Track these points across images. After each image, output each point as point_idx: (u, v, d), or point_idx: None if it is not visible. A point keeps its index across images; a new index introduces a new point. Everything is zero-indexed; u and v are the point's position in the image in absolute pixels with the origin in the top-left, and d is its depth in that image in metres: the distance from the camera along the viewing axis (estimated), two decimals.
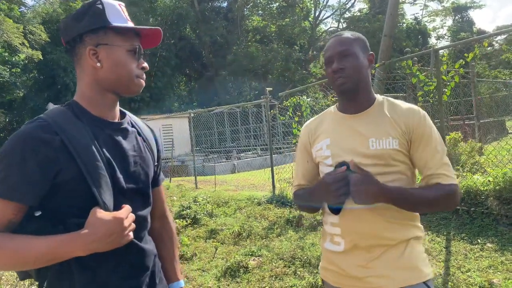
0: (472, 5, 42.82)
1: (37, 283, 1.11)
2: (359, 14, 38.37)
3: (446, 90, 4.86)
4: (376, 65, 5.99)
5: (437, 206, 1.37)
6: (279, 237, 4.79)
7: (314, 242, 4.37)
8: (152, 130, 1.35)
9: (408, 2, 40.20)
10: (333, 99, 6.39)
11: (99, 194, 1.02)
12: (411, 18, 41.21)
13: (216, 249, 4.58)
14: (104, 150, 1.08)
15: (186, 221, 5.65)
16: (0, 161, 1.00)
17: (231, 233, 5.03)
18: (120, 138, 1.15)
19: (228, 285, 3.61)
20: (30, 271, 1.10)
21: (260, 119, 18.71)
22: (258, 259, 4.11)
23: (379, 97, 1.47)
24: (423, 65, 6.34)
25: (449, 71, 5.02)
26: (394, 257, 1.33)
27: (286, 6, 35.51)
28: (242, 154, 16.99)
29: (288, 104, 7.05)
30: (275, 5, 36.17)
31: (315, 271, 3.58)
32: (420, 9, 59.64)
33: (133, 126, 1.25)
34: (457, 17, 44.05)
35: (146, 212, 1.21)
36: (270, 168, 7.66)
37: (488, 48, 33.87)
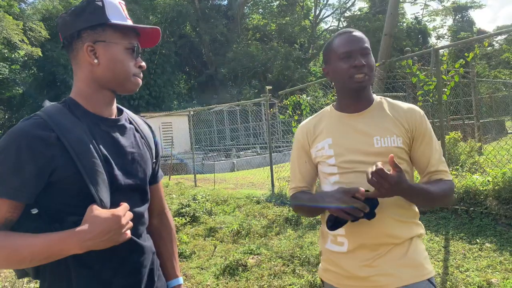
0: (473, 5, 42.86)
1: (35, 280, 1.10)
2: (359, 13, 38.37)
3: (446, 89, 4.86)
4: (376, 64, 5.99)
5: (442, 201, 1.40)
6: (278, 236, 4.79)
7: (313, 240, 4.37)
8: (150, 127, 1.34)
9: (409, 2, 40.21)
10: (333, 98, 6.38)
11: (96, 192, 1.02)
12: (411, 18, 41.31)
13: (215, 247, 4.58)
14: (101, 147, 1.08)
15: (185, 219, 5.65)
16: None
17: (230, 231, 5.03)
18: (117, 135, 1.15)
19: (227, 283, 3.61)
20: (28, 269, 1.09)
21: (259, 117, 18.71)
22: (257, 257, 4.11)
23: (376, 96, 1.48)
24: (423, 65, 6.35)
25: (449, 71, 5.02)
26: (399, 255, 1.34)
27: (286, 4, 35.52)
28: (241, 153, 16.98)
29: (288, 103, 7.05)
30: (275, 3, 36.19)
31: (313, 270, 3.58)
32: (421, 9, 59.79)
33: (130, 122, 1.24)
34: (457, 17, 44.07)
35: (143, 208, 1.20)
36: (269, 167, 7.66)
37: (488, 48, 33.91)
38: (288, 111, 7.08)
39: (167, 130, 17.87)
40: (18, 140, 0.98)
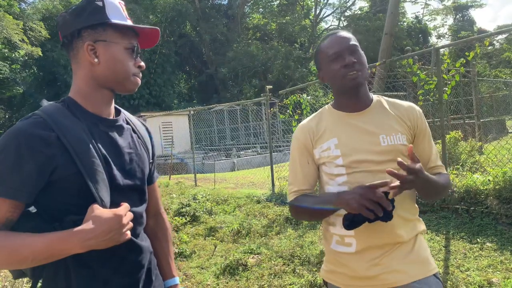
0: (473, 4, 42.82)
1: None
2: (359, 12, 38.35)
3: (446, 89, 4.85)
4: (377, 64, 5.98)
5: (445, 192, 1.48)
6: (278, 235, 4.79)
7: (313, 240, 4.36)
8: (146, 128, 1.34)
9: (409, 1, 40.20)
10: (333, 97, 6.38)
11: (96, 191, 1.02)
12: (412, 17, 41.34)
13: (215, 247, 4.58)
14: (100, 146, 1.08)
15: (185, 219, 5.65)
16: None
17: (230, 231, 5.03)
18: (115, 135, 1.15)
19: (227, 282, 3.60)
20: (25, 269, 1.08)
21: (260, 117, 18.72)
22: (257, 257, 4.11)
23: (374, 95, 1.48)
24: (424, 64, 6.34)
25: (449, 70, 5.02)
26: (405, 252, 1.35)
27: (286, 4, 35.52)
28: (241, 152, 16.98)
29: (288, 102, 7.05)
30: (275, 3, 36.18)
31: (314, 269, 3.58)
32: (421, 8, 59.75)
33: (128, 123, 1.24)
34: (458, 16, 44.03)
35: (142, 208, 1.21)
36: (269, 166, 7.66)
37: (489, 47, 33.89)
38: (288, 111, 7.08)
39: (167, 130, 17.85)
40: (17, 139, 0.97)
